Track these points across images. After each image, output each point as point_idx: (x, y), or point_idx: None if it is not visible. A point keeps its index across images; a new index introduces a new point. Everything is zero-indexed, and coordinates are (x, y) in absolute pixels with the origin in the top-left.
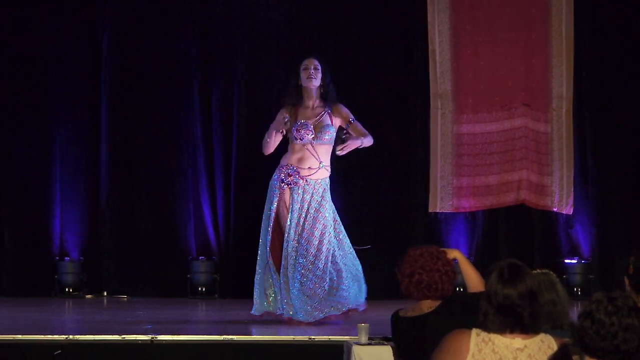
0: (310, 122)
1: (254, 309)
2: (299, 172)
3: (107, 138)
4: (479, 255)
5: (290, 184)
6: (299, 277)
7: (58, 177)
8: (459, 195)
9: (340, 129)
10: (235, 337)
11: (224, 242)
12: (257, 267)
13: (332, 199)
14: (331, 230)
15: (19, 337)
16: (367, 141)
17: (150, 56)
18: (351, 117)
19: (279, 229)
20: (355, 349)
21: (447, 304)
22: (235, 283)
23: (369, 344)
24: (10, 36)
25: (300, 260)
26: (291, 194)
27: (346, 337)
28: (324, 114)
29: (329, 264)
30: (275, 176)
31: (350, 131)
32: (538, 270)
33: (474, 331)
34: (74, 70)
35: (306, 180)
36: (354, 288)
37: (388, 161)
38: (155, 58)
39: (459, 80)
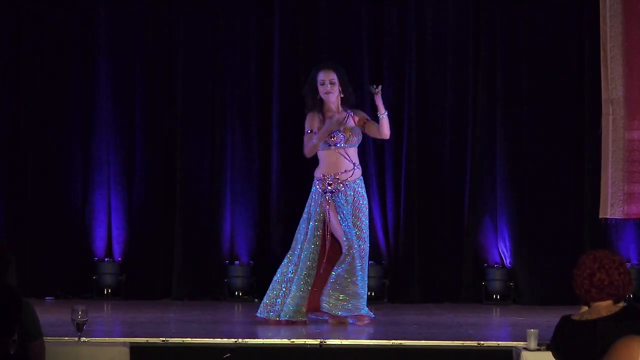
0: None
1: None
2: (338, 179)
3: (278, 141)
4: None
5: (334, 192)
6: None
7: (228, 181)
8: (630, 201)
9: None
10: (404, 342)
11: (394, 246)
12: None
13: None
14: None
15: (189, 340)
16: (386, 124)
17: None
18: (367, 117)
19: (323, 238)
20: (525, 354)
21: (627, 310)
22: (403, 288)
23: (538, 350)
24: (188, 46)
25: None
26: (335, 201)
27: (515, 343)
28: (347, 117)
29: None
30: (317, 188)
31: (367, 129)
32: None
33: None
34: (245, 75)
35: (346, 185)
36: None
37: (558, 167)
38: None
39: (631, 86)
